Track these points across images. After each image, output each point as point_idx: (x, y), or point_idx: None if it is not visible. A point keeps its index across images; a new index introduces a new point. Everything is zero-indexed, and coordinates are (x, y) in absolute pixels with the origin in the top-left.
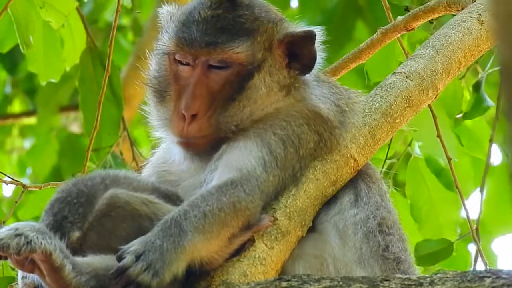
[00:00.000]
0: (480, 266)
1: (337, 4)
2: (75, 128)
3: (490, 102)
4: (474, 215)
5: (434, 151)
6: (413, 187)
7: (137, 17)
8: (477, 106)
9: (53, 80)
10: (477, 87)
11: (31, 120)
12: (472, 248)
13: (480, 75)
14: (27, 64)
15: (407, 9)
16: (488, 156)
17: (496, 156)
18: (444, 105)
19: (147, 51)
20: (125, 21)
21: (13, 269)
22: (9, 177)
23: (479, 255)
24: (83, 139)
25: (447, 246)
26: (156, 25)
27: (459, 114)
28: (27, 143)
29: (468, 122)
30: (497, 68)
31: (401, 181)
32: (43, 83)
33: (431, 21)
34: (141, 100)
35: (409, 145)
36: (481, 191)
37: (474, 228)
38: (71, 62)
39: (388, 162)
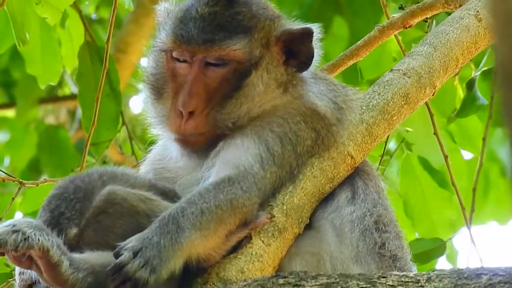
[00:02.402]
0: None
1: None
2: (52, 120)
3: (484, 100)
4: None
5: (428, 149)
6: (406, 184)
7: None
8: (470, 104)
9: (52, 84)
10: (470, 85)
11: (7, 113)
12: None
13: (473, 73)
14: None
15: (401, 7)
16: (481, 153)
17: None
18: (436, 103)
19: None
20: (104, 13)
21: (8, 265)
22: (6, 174)
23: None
24: (62, 131)
25: (440, 245)
26: (135, 18)
27: (452, 112)
28: (2, 136)
29: (461, 120)
30: (491, 65)
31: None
32: (43, 87)
33: (425, 20)
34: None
35: (402, 141)
36: (474, 189)
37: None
38: (71, 63)
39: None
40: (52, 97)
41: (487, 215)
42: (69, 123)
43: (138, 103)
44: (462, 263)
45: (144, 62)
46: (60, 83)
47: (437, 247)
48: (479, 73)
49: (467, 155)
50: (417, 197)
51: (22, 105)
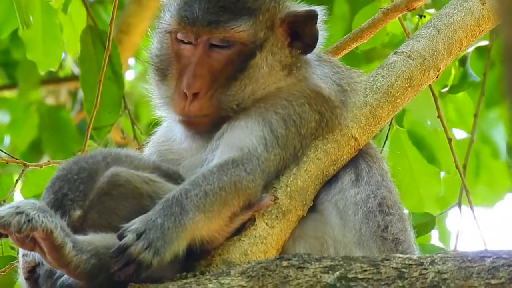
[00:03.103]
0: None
1: None
2: (52, 100)
3: (476, 77)
4: None
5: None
6: (394, 159)
7: None
8: (463, 81)
9: (52, 70)
10: (463, 61)
11: (8, 94)
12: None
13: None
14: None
15: None
16: (473, 130)
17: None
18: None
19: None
20: None
21: (12, 248)
22: (10, 156)
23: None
24: (64, 112)
25: (429, 220)
26: None
27: (444, 88)
28: (2, 117)
29: (452, 98)
30: (485, 43)
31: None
32: (42, 72)
33: (420, 15)
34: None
35: (392, 118)
36: (464, 166)
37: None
38: (73, 48)
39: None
40: (53, 78)
41: (478, 197)
42: (70, 103)
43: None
44: (462, 245)
45: (146, 43)
46: (61, 64)
47: (427, 222)
48: (471, 50)
49: (458, 135)
50: (405, 172)
51: (23, 86)
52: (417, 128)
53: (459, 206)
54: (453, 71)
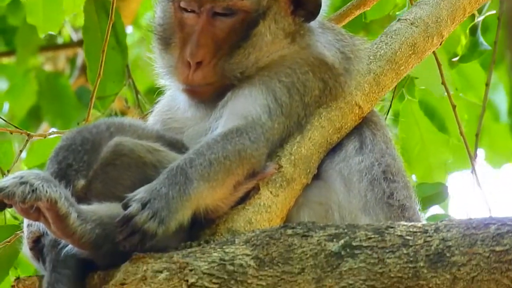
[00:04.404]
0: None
1: None
2: (49, 67)
3: (486, 45)
4: None
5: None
6: (405, 128)
7: None
8: (473, 50)
9: (52, 33)
10: (473, 30)
11: (6, 60)
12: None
13: (476, 19)
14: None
15: None
16: (484, 99)
17: None
18: (441, 48)
19: None
20: None
21: (16, 218)
22: (14, 126)
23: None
24: (63, 79)
25: (442, 190)
26: None
27: (454, 57)
28: (1, 83)
29: (463, 66)
30: (494, 11)
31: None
32: (42, 35)
33: None
34: None
35: (403, 87)
36: (477, 134)
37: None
38: (71, 11)
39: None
40: (52, 44)
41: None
42: (68, 70)
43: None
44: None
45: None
46: (60, 30)
47: (440, 192)
48: (481, 18)
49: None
50: (416, 141)
51: (21, 52)
52: (428, 98)
53: (475, 174)
54: (463, 40)
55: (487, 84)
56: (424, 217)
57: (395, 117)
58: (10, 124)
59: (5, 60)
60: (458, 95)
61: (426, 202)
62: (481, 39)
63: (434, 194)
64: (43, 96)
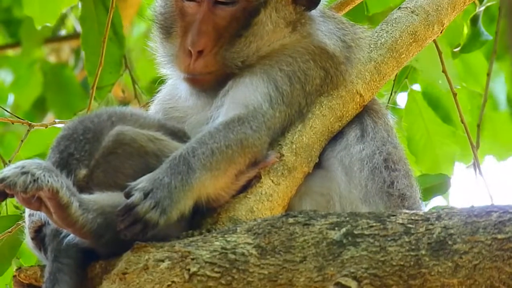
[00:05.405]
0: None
1: None
2: (53, 58)
3: (488, 35)
4: None
5: (436, 85)
6: (410, 120)
7: None
8: (475, 40)
9: (48, 24)
10: (474, 20)
11: (11, 52)
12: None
13: (477, 9)
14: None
15: None
16: (486, 89)
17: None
18: (444, 39)
19: None
20: None
21: (18, 208)
22: (16, 116)
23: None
24: (68, 70)
25: (445, 181)
26: None
27: (456, 47)
28: (6, 75)
29: (465, 56)
30: (495, 1)
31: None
32: (39, 27)
33: None
34: None
35: (406, 77)
36: (479, 124)
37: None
38: (68, 3)
39: (385, 94)
40: (56, 36)
41: (484, 150)
42: (72, 61)
43: None
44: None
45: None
46: (64, 22)
47: (442, 183)
48: (483, 8)
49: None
50: (421, 133)
51: (26, 44)
52: (432, 89)
53: (476, 165)
54: (465, 30)
55: (488, 74)
56: (426, 208)
57: (395, 106)
58: (13, 114)
59: (10, 52)
60: (461, 84)
61: (428, 193)
62: (483, 29)
63: (437, 185)
64: (49, 87)
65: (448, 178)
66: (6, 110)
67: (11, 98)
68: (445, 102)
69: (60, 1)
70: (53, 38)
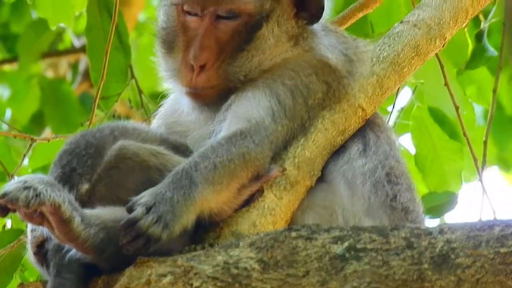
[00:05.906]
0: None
1: None
2: (51, 73)
3: (493, 51)
4: None
5: (440, 100)
6: (417, 136)
7: None
8: (480, 56)
9: (62, 25)
10: (479, 36)
11: (8, 67)
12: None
13: (482, 24)
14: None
15: None
16: (492, 105)
17: None
18: (449, 55)
19: None
20: None
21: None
22: (18, 130)
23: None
24: (65, 85)
25: (452, 198)
26: None
27: (463, 63)
28: (3, 90)
29: (471, 72)
30: (500, 17)
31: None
32: (53, 28)
33: None
34: None
35: (413, 93)
36: (485, 140)
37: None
38: (80, 7)
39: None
40: (54, 51)
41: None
42: (70, 76)
43: None
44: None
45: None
46: (61, 36)
47: (449, 201)
48: (488, 24)
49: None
50: (428, 149)
51: (24, 59)
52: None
53: (481, 180)
54: (470, 46)
55: (494, 91)
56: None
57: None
58: (14, 128)
59: (7, 67)
60: (467, 100)
61: (437, 211)
62: (487, 44)
63: (445, 203)
64: (46, 102)
65: (455, 196)
66: (7, 124)
67: (8, 113)
68: (451, 118)
69: (73, 2)
70: (50, 52)
